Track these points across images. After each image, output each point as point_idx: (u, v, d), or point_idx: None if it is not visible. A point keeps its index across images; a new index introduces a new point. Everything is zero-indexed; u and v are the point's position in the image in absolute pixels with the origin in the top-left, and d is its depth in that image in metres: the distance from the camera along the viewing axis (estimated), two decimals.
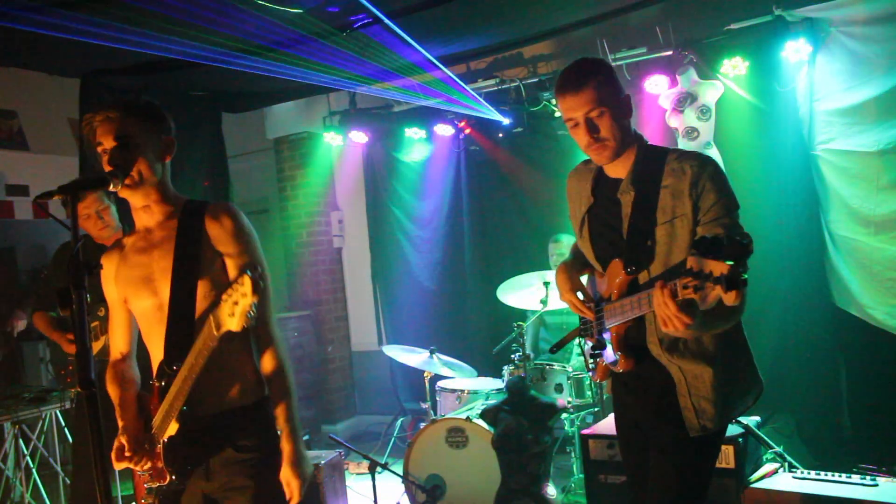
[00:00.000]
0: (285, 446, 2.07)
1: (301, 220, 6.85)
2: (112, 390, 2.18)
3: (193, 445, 2.04)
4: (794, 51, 4.28)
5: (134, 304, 2.12)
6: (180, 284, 2.02)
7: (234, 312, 1.72)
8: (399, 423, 5.93)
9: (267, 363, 2.12)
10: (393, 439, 5.80)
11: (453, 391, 4.67)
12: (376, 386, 6.76)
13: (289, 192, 6.92)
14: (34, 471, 4.21)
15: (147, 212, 2.09)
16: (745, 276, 1.55)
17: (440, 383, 4.79)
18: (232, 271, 2.06)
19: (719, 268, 1.56)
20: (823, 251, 4.41)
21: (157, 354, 2.08)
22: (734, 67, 4.52)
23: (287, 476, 2.05)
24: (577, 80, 2.06)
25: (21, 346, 4.95)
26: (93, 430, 1.66)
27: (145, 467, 2.07)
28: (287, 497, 2.04)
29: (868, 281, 4.20)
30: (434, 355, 4.73)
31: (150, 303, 2.07)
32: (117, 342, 2.23)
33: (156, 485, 2.07)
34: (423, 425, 4.25)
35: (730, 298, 1.55)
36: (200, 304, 2.03)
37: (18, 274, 4.92)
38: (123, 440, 2.09)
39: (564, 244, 4.94)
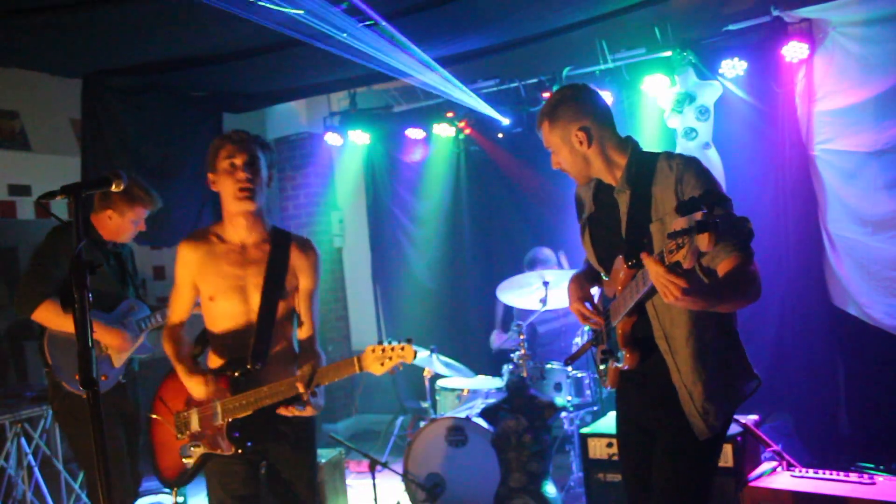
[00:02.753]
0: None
1: (301, 220, 6.86)
2: (170, 347, 2.62)
3: (253, 427, 2.52)
4: (793, 51, 4.29)
5: (221, 303, 2.54)
6: (267, 302, 2.52)
7: (384, 363, 2.39)
8: (399, 421, 5.95)
9: (310, 351, 2.65)
10: (393, 438, 5.82)
11: (453, 390, 4.69)
12: (376, 385, 6.77)
13: (289, 191, 6.94)
14: (36, 469, 4.23)
15: (248, 227, 2.54)
16: (719, 222, 1.61)
17: (440, 382, 4.80)
18: (303, 297, 2.62)
19: (694, 217, 1.64)
20: (821, 251, 4.43)
21: (225, 341, 2.56)
22: (733, 68, 4.53)
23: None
24: (536, 125, 2.35)
25: (23, 345, 4.96)
26: (95, 428, 1.70)
27: (196, 449, 2.57)
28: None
29: (866, 280, 4.21)
30: (434, 355, 4.75)
31: (240, 308, 2.54)
32: (178, 312, 2.66)
33: (217, 451, 2.53)
34: (423, 424, 4.27)
35: (702, 241, 1.62)
36: (279, 318, 2.56)
37: (20, 274, 4.91)
38: (203, 381, 2.53)
39: (539, 265, 4.92)
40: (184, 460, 2.60)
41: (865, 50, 4.10)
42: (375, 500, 4.01)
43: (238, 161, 2.45)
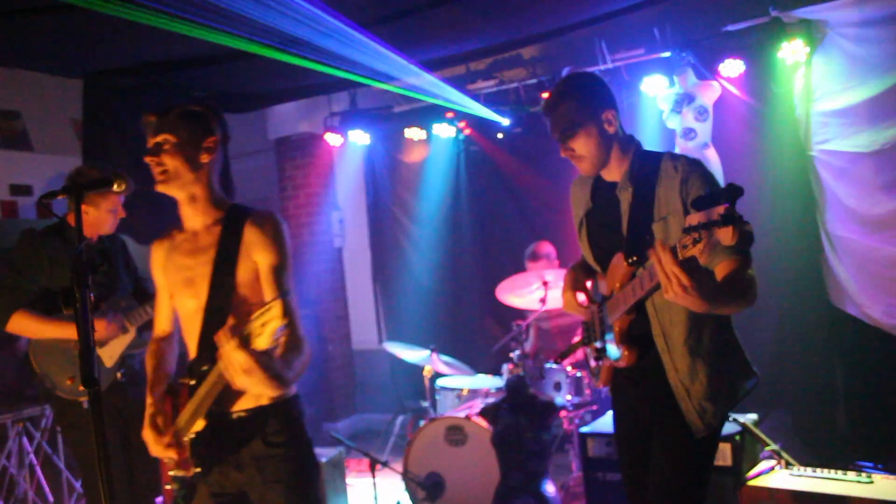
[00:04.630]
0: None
1: (302, 220, 6.88)
2: (149, 364, 2.32)
3: (221, 441, 2.13)
4: (791, 52, 4.30)
5: (177, 302, 2.24)
6: (218, 290, 2.12)
7: (262, 332, 1.82)
8: (399, 421, 5.96)
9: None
10: (393, 437, 5.83)
11: (453, 389, 4.70)
12: (377, 384, 6.79)
13: (289, 191, 6.95)
14: (38, 468, 4.24)
15: (193, 212, 2.20)
16: (741, 216, 1.58)
17: (440, 381, 4.81)
18: (264, 280, 2.13)
19: (717, 212, 1.61)
20: (820, 251, 4.44)
21: (192, 353, 2.20)
22: (731, 69, 4.54)
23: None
24: (551, 101, 2.20)
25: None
26: (96, 429, 1.69)
27: (171, 456, 2.15)
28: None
29: (865, 280, 4.22)
30: (434, 354, 4.76)
31: (192, 304, 2.17)
32: (161, 322, 2.37)
33: (180, 473, 2.16)
34: (422, 424, 4.28)
35: (726, 235, 1.59)
36: (236, 310, 2.11)
37: None
38: (159, 421, 2.16)
39: (542, 259, 4.95)
40: (167, 487, 2.24)
41: (864, 50, 4.10)
42: (375, 499, 4.02)
43: (149, 146, 2.14)
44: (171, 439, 2.14)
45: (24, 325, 3.08)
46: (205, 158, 2.16)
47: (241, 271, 2.13)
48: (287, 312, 1.86)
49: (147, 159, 2.11)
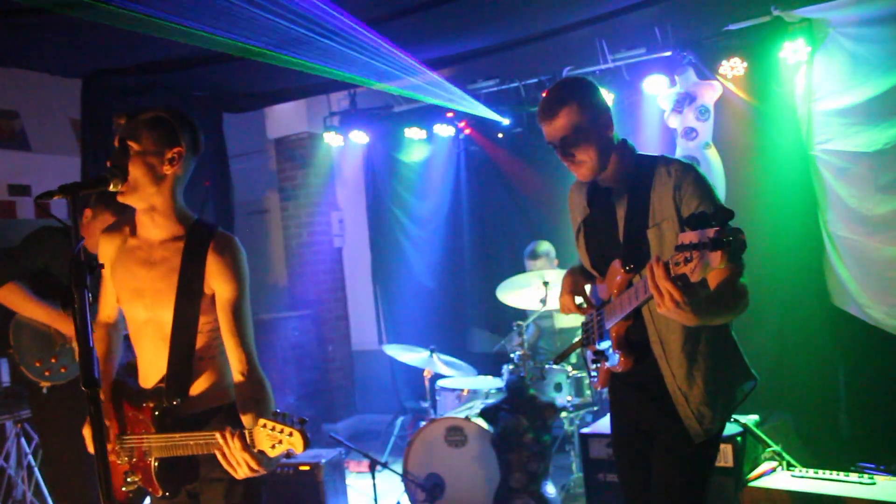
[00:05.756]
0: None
1: (301, 220, 6.87)
2: (99, 350, 2.20)
3: (188, 468, 2.13)
4: (793, 51, 4.29)
5: (124, 306, 2.19)
6: (184, 314, 2.08)
7: (275, 446, 1.88)
8: (399, 421, 5.95)
9: (245, 382, 2.10)
10: (393, 438, 5.82)
11: (453, 390, 4.69)
12: (377, 385, 6.78)
13: (289, 192, 6.95)
14: (36, 469, 4.23)
15: (151, 222, 2.12)
16: (731, 240, 1.57)
17: (440, 382, 4.81)
18: (220, 310, 2.11)
19: (707, 234, 1.60)
20: (822, 251, 4.43)
21: (143, 358, 2.18)
22: (733, 68, 4.53)
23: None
24: (550, 108, 2.17)
25: None
26: (95, 430, 1.67)
27: (133, 477, 2.16)
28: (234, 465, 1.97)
29: (867, 280, 4.21)
30: (434, 355, 4.75)
31: (142, 316, 2.14)
32: (107, 309, 2.32)
33: (137, 479, 2.16)
34: (422, 424, 4.27)
35: (715, 259, 1.58)
36: (200, 339, 2.12)
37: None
38: (107, 422, 2.16)
39: (541, 258, 4.94)
40: (123, 489, 2.21)
41: (865, 50, 4.09)
42: (375, 500, 4.01)
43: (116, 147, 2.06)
44: (113, 446, 2.15)
45: (13, 298, 3.08)
46: (167, 170, 2.06)
47: (206, 298, 2.12)
48: (248, 354, 2.05)
49: (109, 163, 2.03)
